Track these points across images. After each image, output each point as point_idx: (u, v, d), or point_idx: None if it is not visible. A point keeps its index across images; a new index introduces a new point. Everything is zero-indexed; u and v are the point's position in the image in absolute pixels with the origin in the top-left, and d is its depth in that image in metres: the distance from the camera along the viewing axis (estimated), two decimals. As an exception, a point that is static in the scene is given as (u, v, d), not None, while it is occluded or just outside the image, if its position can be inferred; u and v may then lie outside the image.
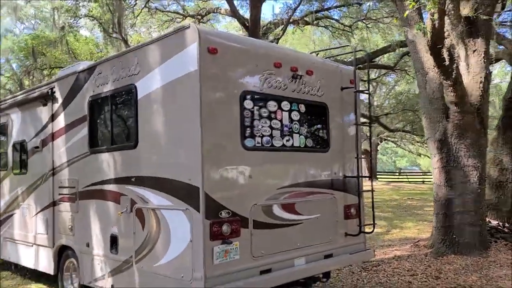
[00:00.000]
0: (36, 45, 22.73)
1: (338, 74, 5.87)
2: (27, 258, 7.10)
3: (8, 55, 31.13)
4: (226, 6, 20.29)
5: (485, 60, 8.59)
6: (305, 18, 22.53)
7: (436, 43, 7.38)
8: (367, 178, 6.09)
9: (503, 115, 10.05)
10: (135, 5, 20.56)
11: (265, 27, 21.58)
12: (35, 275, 7.68)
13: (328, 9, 21.69)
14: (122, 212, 5.09)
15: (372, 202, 5.85)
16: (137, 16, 22.21)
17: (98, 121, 5.70)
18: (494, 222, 9.32)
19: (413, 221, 14.19)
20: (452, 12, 8.00)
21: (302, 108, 5.30)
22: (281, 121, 5.03)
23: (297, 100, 5.23)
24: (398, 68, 25.63)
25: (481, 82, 8.51)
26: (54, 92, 6.47)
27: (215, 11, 24.40)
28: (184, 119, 4.42)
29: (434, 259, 8.20)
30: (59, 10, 21.30)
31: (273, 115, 4.96)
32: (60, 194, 6.31)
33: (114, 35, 20.53)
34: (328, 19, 24.65)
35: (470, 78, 8.54)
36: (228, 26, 33.02)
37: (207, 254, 4.20)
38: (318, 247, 5.34)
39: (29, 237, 7.02)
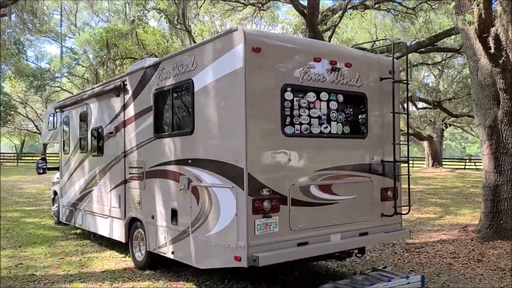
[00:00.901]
0: (110, 38, 24.55)
1: (377, 65, 6.27)
2: (103, 228, 8.23)
3: (85, 47, 33.75)
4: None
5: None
6: (365, 3, 22.35)
7: (483, 31, 7.48)
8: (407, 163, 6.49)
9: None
10: (199, -4, 21.51)
11: (323, 13, 21.72)
12: (110, 243, 8.86)
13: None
14: (180, 189, 5.92)
15: (408, 185, 6.22)
16: (200, 6, 23.28)
17: (161, 110, 6.56)
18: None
19: (471, 208, 14.06)
20: (503, -1, 7.98)
21: (340, 98, 5.80)
22: (319, 110, 5.58)
23: (335, 90, 5.74)
24: (464, 51, 24.71)
25: (533, 69, 8.42)
26: (126, 85, 7.43)
27: (275, -2, 24.77)
28: (232, 109, 5.11)
29: (480, 243, 8.39)
30: (130, 3, 22.86)
31: (312, 105, 5.52)
32: (130, 173, 7.30)
33: (179, 26, 21.71)
34: (390, 1, 24.17)
35: (522, 64, 8.47)
36: (288, 12, 33.31)
37: (249, 226, 4.90)
38: (354, 225, 5.86)
39: (105, 210, 8.13)
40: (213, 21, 28.96)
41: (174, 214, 6.16)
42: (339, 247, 5.68)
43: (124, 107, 7.51)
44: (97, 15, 36.34)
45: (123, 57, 24.65)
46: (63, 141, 10.26)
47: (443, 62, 30.18)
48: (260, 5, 24.68)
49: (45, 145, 47.58)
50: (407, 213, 6.39)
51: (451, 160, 47.42)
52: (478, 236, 8.68)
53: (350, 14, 25.31)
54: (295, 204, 5.29)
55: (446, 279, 6.51)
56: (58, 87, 39.75)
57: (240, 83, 4.97)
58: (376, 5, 23.51)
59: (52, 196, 12.18)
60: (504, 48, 7.89)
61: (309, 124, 5.50)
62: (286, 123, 5.29)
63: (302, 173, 5.42)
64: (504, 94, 8.28)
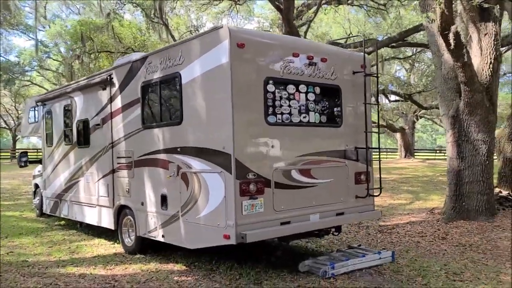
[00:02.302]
0: (85, 31, 24.41)
1: (350, 60, 6.81)
2: (91, 217, 8.54)
3: (56, 39, 33.28)
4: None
5: (495, 42, 9.22)
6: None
7: (445, 29, 8.12)
8: (376, 150, 7.07)
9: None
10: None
11: (299, 8, 22.24)
12: (97, 232, 9.18)
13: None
14: (170, 176, 6.33)
15: (380, 169, 6.82)
16: (177, 0, 23.45)
17: (149, 102, 6.93)
18: (504, 192, 10.06)
19: (439, 194, 14.88)
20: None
21: (317, 90, 6.32)
22: (298, 101, 6.08)
23: (312, 83, 6.25)
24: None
25: (490, 63, 9.20)
26: (112, 78, 7.74)
27: (251, -7, 25.01)
28: (219, 101, 5.55)
29: (445, 223, 9.12)
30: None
31: (291, 96, 6.01)
32: (118, 163, 7.64)
33: (156, 20, 21.84)
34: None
35: (481, 59, 9.21)
36: (264, 6, 33.71)
37: (237, 207, 5.37)
38: (331, 206, 6.41)
39: (92, 200, 8.45)
40: (189, 14, 29.13)
41: (163, 200, 6.56)
42: (317, 225, 6.23)
43: (111, 99, 7.83)
44: (68, 7, 35.80)
45: (99, 51, 24.57)
46: (46, 134, 10.45)
47: (413, 56, 31.24)
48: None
49: (14, 140, 46.69)
50: (378, 195, 6.98)
51: (422, 151, 49.05)
52: (444, 217, 9.42)
53: (325, 10, 25.93)
54: (278, 187, 5.79)
55: (414, 255, 7.15)
56: (28, 81, 39.03)
57: (226, 76, 5.41)
58: (350, 1, 24.23)
59: (33, 189, 12.32)
60: (464, 44, 8.58)
61: (290, 114, 5.99)
62: (269, 112, 5.77)
63: (284, 159, 5.92)
64: (465, 87, 8.98)
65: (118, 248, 7.87)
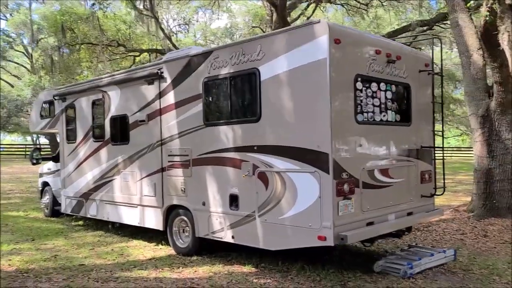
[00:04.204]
0: (65, 21, 23.30)
1: (417, 58, 6.82)
2: (131, 217, 8.14)
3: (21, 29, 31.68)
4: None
5: (526, 44, 9.51)
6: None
7: (489, 30, 8.29)
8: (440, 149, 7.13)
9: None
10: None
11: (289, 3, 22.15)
12: (129, 233, 8.79)
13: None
14: (246, 175, 6.11)
15: (443, 170, 6.88)
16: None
17: (213, 99, 6.66)
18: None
19: (452, 191, 15.11)
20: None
21: (393, 88, 6.28)
22: (379, 99, 6.02)
23: (390, 81, 6.21)
24: (413, 47, 26.35)
25: (522, 64, 9.46)
26: (163, 73, 7.38)
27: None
28: (314, 98, 5.39)
29: (477, 221, 9.33)
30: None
31: (374, 94, 5.94)
32: (170, 161, 7.31)
33: (145, 12, 21.16)
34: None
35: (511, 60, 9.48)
36: (246, 3, 33.52)
37: (334, 207, 5.25)
38: (403, 206, 6.41)
39: (133, 199, 8.05)
40: (170, 9, 28.51)
41: (233, 200, 6.33)
42: (396, 226, 6.20)
43: (160, 95, 7.47)
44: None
45: (81, 43, 23.54)
46: (67, 129, 9.88)
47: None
48: (219, -7, 24.62)
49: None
50: (441, 194, 7.04)
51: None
52: (474, 214, 9.64)
53: (308, 7, 25.99)
54: (365, 187, 5.71)
55: (468, 253, 7.26)
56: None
57: (324, 72, 5.26)
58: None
59: (41, 188, 11.66)
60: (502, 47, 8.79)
61: (373, 112, 5.92)
62: (358, 111, 5.67)
63: (370, 158, 5.85)
64: (499, 87, 9.21)
65: (165, 249, 7.55)
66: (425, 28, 20.19)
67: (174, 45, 20.93)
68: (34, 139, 48.71)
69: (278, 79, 5.77)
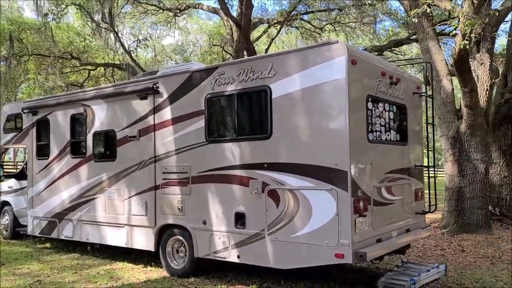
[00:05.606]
0: (13, 31, 22.07)
1: (410, 81, 7.13)
2: (116, 238, 7.71)
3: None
4: (208, 2, 21.05)
5: (490, 72, 10.29)
6: (279, 19, 23.59)
7: (462, 59, 8.87)
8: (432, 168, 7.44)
9: (493, 117, 11.86)
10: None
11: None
12: (110, 254, 8.33)
13: (311, 12, 22.92)
14: (254, 193, 6.02)
15: (435, 187, 7.19)
16: (122, 7, 22.31)
17: (218, 115, 6.54)
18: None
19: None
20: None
21: (394, 108, 6.51)
22: (385, 119, 6.22)
23: (392, 102, 6.43)
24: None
25: (487, 90, 10.23)
26: (158, 88, 7.17)
27: (197, 6, 24.76)
28: (330, 116, 5.46)
29: (451, 237, 9.79)
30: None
31: (381, 114, 6.13)
32: (165, 179, 7.05)
33: (104, 25, 20.53)
34: (302, 20, 25.82)
35: (479, 86, 10.19)
36: (199, 22, 33.57)
37: (352, 225, 5.29)
38: (402, 223, 6.58)
39: (119, 219, 7.65)
40: (124, 23, 27.88)
41: (239, 218, 6.21)
42: (401, 243, 6.35)
43: (155, 110, 7.23)
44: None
45: (30, 54, 22.33)
46: (38, 145, 9.26)
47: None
48: (177, 10, 24.49)
49: None
50: (434, 211, 7.32)
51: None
52: (447, 231, 10.11)
53: (269, 27, 26.52)
54: (375, 204, 5.82)
55: (454, 267, 7.58)
56: None
57: (342, 92, 5.36)
58: (288, 22, 25.10)
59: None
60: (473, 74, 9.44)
61: (380, 131, 6.10)
62: (369, 130, 5.81)
63: (378, 176, 5.98)
64: (469, 110, 9.85)
65: (157, 271, 7.23)
66: (376, 53, 21.28)
67: (134, 60, 20.42)
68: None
69: (292, 97, 5.80)
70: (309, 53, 5.71)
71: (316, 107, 5.61)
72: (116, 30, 20.38)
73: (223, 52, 25.41)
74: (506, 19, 12.09)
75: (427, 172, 7.43)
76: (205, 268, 6.88)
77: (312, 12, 22.94)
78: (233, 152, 6.33)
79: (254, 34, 24.55)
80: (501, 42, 18.81)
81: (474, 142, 10.05)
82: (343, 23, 26.21)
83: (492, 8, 9.82)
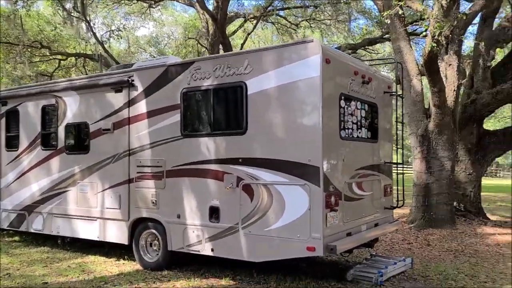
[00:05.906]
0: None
1: (382, 80, 7.34)
2: (89, 232, 7.66)
3: None
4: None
5: (458, 73, 10.66)
6: (255, 14, 23.64)
7: (431, 60, 9.17)
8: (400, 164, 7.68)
9: (460, 116, 12.28)
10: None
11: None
12: (80, 248, 8.27)
13: (287, 8, 23.03)
14: (229, 187, 6.11)
15: (403, 183, 7.43)
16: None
17: (194, 110, 6.57)
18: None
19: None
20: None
21: (366, 107, 6.70)
22: (356, 117, 6.40)
23: (364, 100, 6.62)
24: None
25: (454, 90, 10.58)
26: (133, 81, 7.14)
27: (172, -2, 24.43)
28: (304, 113, 5.59)
29: (418, 231, 10.14)
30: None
31: (353, 112, 6.30)
32: (139, 172, 7.05)
33: (76, 14, 20.10)
34: (278, 16, 25.91)
35: (447, 86, 10.55)
36: (173, 13, 33.23)
37: (323, 219, 5.45)
38: (371, 217, 6.81)
39: (92, 212, 7.60)
40: (96, 12, 27.35)
41: (213, 212, 6.28)
42: (369, 236, 6.56)
43: (129, 103, 7.21)
44: None
45: (-2, 42, 21.62)
46: (7, 136, 9.06)
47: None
48: (152, 1, 24.19)
49: None
50: (401, 206, 7.58)
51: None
52: (414, 225, 10.46)
53: (245, 22, 26.50)
54: (346, 199, 6.00)
55: (420, 260, 7.88)
56: None
57: (316, 89, 5.49)
58: (264, 18, 25.19)
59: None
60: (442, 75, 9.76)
61: (352, 129, 6.27)
62: (341, 127, 5.97)
63: (349, 172, 6.16)
64: (437, 110, 10.19)
65: (130, 264, 7.24)
66: (350, 51, 21.63)
67: (106, 51, 20.08)
68: None
69: (267, 93, 5.90)
70: (285, 50, 5.82)
71: (290, 104, 5.73)
72: (88, 19, 19.98)
73: (198, 45, 25.26)
74: (474, 22, 12.49)
75: (396, 168, 7.70)
76: (178, 262, 6.93)
77: (288, 8, 23.03)
78: (208, 146, 6.39)
79: (230, 28, 24.52)
80: (468, 44, 19.44)
81: (442, 140, 10.41)
82: (319, 20, 26.38)
83: (460, 11, 10.15)
